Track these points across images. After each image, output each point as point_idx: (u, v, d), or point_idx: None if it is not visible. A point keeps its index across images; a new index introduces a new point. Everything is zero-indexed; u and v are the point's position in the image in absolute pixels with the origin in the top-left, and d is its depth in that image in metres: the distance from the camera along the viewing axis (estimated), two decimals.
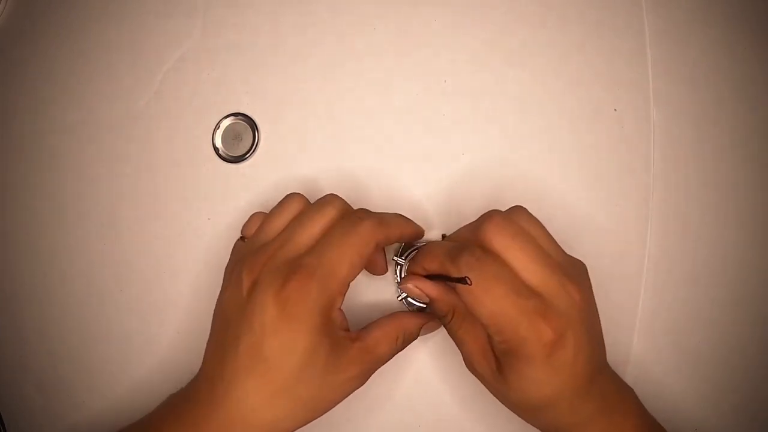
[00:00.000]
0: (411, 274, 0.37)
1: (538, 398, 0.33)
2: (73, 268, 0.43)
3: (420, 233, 0.39)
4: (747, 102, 0.44)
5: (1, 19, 0.44)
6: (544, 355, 0.31)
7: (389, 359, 0.36)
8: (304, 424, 0.34)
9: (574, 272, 0.34)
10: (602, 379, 0.35)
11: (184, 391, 0.35)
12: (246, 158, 0.43)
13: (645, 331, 0.43)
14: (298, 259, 0.33)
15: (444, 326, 0.38)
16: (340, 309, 0.34)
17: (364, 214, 0.36)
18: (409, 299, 0.41)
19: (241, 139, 0.43)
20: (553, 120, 0.44)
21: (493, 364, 0.35)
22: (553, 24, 0.44)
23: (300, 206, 0.37)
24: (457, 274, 0.32)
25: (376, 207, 0.43)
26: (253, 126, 0.43)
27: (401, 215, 0.38)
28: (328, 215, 0.35)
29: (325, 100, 0.44)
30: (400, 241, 0.38)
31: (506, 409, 0.41)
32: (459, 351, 0.37)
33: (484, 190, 0.43)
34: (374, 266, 0.40)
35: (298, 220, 0.35)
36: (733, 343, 0.43)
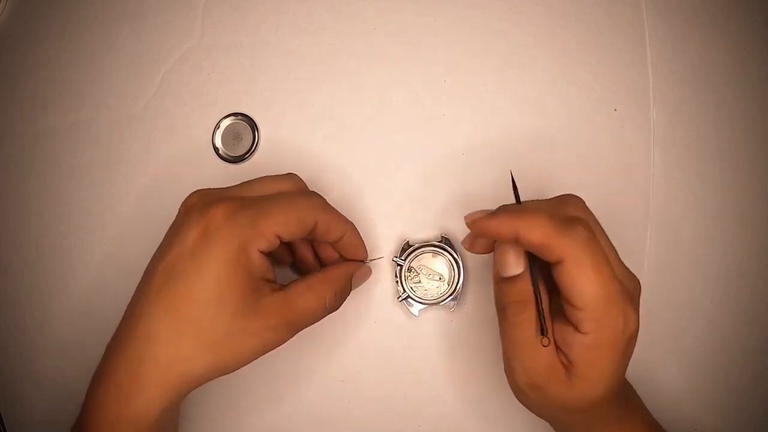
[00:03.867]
0: (491, 232, 0.32)
1: (603, 391, 0.31)
2: (73, 268, 0.43)
3: (361, 253, 0.39)
4: (747, 102, 0.44)
5: (1, 19, 0.44)
6: (625, 345, 0.31)
7: (317, 317, 0.35)
8: (214, 373, 0.32)
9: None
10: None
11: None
12: (246, 158, 0.43)
13: (645, 330, 0.42)
14: (236, 194, 0.34)
15: (505, 319, 0.33)
16: (263, 255, 0.32)
17: (318, 195, 0.36)
18: (410, 299, 0.41)
19: (241, 139, 0.43)
20: (553, 120, 0.44)
21: (561, 372, 0.31)
22: (553, 24, 0.44)
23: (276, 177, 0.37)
24: (570, 246, 0.29)
25: (375, 207, 0.43)
26: (253, 126, 0.43)
27: (352, 223, 0.38)
28: (281, 184, 0.36)
29: (325, 101, 0.44)
30: (334, 241, 0.37)
31: (507, 409, 0.41)
32: (504, 365, 0.34)
33: (484, 190, 0.43)
34: (301, 260, 0.40)
35: (257, 179, 0.36)
36: (733, 343, 0.43)
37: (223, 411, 0.43)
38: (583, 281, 0.30)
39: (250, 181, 0.36)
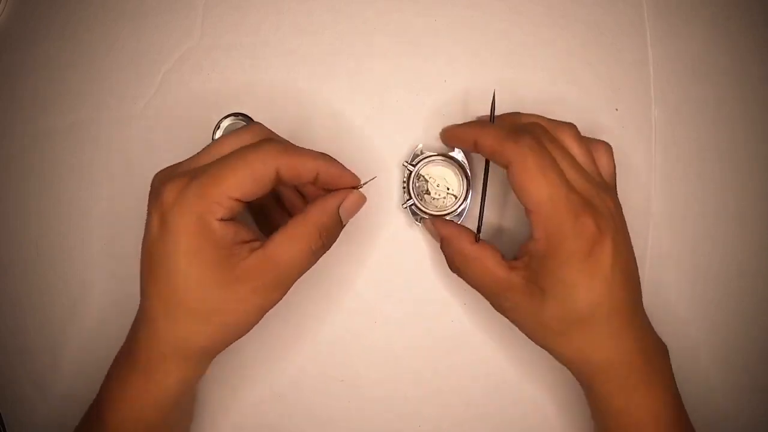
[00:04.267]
0: (452, 140, 0.39)
1: (574, 308, 0.32)
2: (73, 268, 0.43)
3: (348, 178, 0.35)
4: (747, 102, 0.44)
5: (1, 19, 0.44)
6: (584, 252, 0.31)
7: (304, 264, 0.33)
8: (220, 344, 0.33)
9: (609, 189, 0.35)
10: (640, 320, 0.35)
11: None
12: None
13: None
14: (189, 166, 0.33)
15: (457, 274, 0.37)
16: (224, 221, 0.31)
17: (274, 138, 0.34)
18: (413, 208, 0.40)
19: None
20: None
21: (521, 284, 0.34)
22: (553, 24, 0.44)
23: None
24: (515, 151, 0.32)
25: (375, 207, 0.43)
26: None
27: (328, 155, 0.35)
28: (241, 140, 0.34)
29: (325, 100, 0.44)
30: (312, 181, 0.34)
31: (508, 409, 0.41)
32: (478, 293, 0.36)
33: (492, 189, 0.43)
34: (290, 205, 0.39)
35: (214, 142, 0.35)
36: (733, 342, 0.43)
37: (223, 410, 0.43)
38: (526, 182, 0.32)
39: (208, 145, 0.35)
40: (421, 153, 0.41)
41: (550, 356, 0.36)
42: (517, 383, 0.42)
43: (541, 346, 0.35)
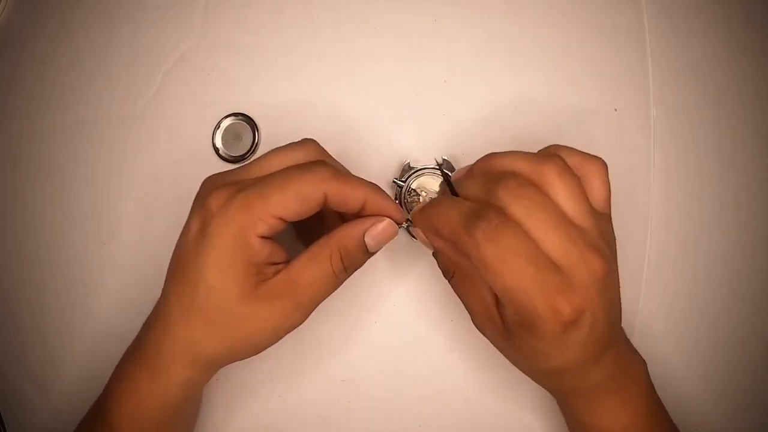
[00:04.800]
0: (418, 226, 0.35)
1: (544, 367, 0.32)
2: (72, 268, 0.43)
3: (394, 212, 0.34)
4: (747, 101, 0.44)
5: (1, 19, 0.44)
6: (558, 333, 0.30)
7: (327, 288, 0.33)
8: (229, 357, 0.34)
9: (599, 239, 0.31)
10: (614, 351, 0.33)
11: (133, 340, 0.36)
12: (246, 158, 0.43)
13: (645, 331, 0.43)
14: (238, 177, 0.33)
15: (449, 282, 0.36)
16: (264, 238, 0.31)
17: (327, 162, 0.33)
18: (408, 222, 0.40)
19: (241, 139, 0.43)
20: (553, 120, 0.44)
21: (500, 328, 0.33)
22: (553, 24, 0.44)
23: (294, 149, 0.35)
24: (470, 243, 0.29)
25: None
26: (253, 126, 0.43)
27: (378, 186, 0.34)
28: (293, 157, 0.33)
29: (325, 100, 0.44)
30: (358, 210, 0.33)
31: (508, 409, 0.41)
32: (467, 315, 0.35)
33: None
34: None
35: (266, 155, 0.34)
36: (733, 343, 0.43)
37: (223, 410, 0.42)
38: (489, 276, 0.29)
39: (260, 157, 0.34)
40: (410, 168, 0.42)
41: None
42: (517, 383, 0.42)
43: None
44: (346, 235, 0.33)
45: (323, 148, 0.35)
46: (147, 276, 0.43)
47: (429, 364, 0.43)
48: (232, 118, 0.43)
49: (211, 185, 0.33)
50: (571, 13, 0.44)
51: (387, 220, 0.34)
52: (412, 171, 0.41)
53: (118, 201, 0.43)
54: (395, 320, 0.43)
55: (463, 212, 0.30)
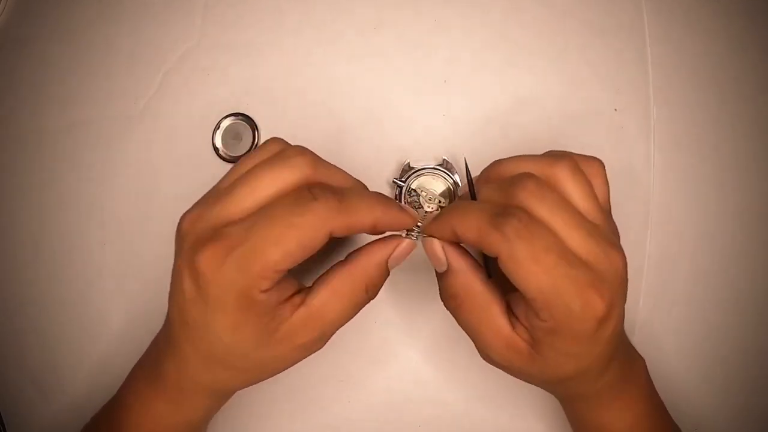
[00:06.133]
0: (432, 234, 0.32)
1: (572, 371, 0.31)
2: (72, 268, 0.43)
3: (406, 223, 0.32)
4: (747, 101, 0.44)
5: (0, 19, 0.44)
6: (592, 331, 0.29)
7: (350, 316, 0.32)
8: (251, 384, 0.34)
9: (615, 236, 0.32)
10: (621, 348, 0.33)
11: (145, 354, 0.36)
12: None
13: (644, 331, 0.43)
14: (223, 227, 0.29)
15: (450, 310, 0.33)
16: (268, 291, 0.29)
17: (324, 192, 0.29)
18: (412, 235, 0.40)
19: (241, 139, 0.43)
20: (553, 120, 0.44)
21: (521, 348, 0.31)
22: (553, 24, 0.44)
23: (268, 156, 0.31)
24: (501, 242, 0.28)
25: None
26: (253, 126, 0.43)
27: (382, 196, 0.32)
28: (282, 179, 0.30)
29: (325, 100, 0.44)
30: (373, 231, 0.31)
31: (508, 409, 0.41)
32: (470, 339, 0.33)
33: None
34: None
35: (247, 176, 0.30)
36: (733, 343, 0.43)
37: (223, 411, 0.42)
38: (521, 275, 0.28)
39: (239, 179, 0.30)
40: (410, 168, 0.42)
41: None
42: (517, 383, 0.42)
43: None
44: (369, 265, 0.32)
45: (313, 158, 0.31)
46: (148, 276, 0.43)
47: (429, 364, 0.43)
48: (232, 118, 0.43)
49: (191, 231, 0.30)
50: (571, 12, 0.44)
51: (408, 241, 0.32)
52: (412, 171, 0.41)
53: (118, 201, 0.43)
54: (395, 320, 0.43)
55: (490, 211, 0.29)
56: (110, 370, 0.42)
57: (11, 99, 0.44)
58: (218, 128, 0.43)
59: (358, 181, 0.34)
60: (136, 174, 0.43)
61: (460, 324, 0.33)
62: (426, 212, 0.41)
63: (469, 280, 0.32)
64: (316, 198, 0.29)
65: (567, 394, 0.36)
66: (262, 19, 0.44)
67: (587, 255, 0.29)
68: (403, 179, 0.41)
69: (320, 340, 0.32)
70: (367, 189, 0.34)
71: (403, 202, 0.41)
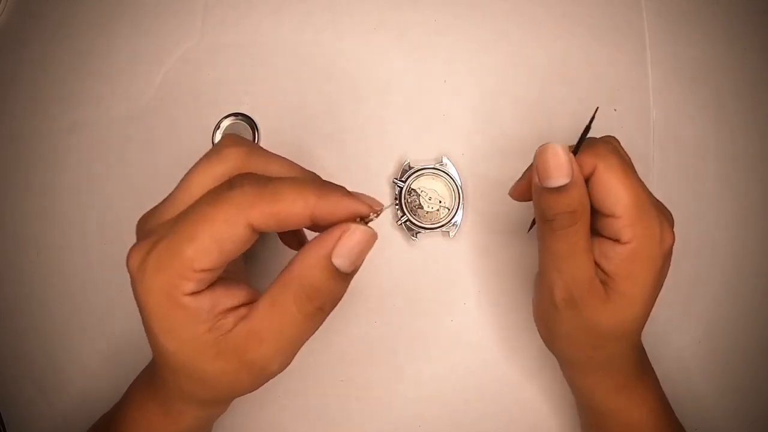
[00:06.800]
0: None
1: (632, 315, 0.31)
2: (73, 268, 0.43)
3: (356, 210, 0.26)
4: (747, 102, 0.44)
5: (1, 19, 0.44)
6: (662, 260, 0.30)
7: (304, 331, 0.27)
8: (226, 399, 0.32)
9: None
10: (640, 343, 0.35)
11: (150, 363, 0.35)
12: None
13: (645, 331, 0.43)
14: (155, 227, 0.27)
15: (553, 230, 0.30)
16: (196, 294, 0.26)
17: (244, 180, 0.26)
18: (408, 224, 0.40)
19: None
20: (553, 120, 0.44)
21: (599, 289, 0.30)
22: (553, 24, 0.44)
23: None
24: (598, 153, 0.30)
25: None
26: (253, 126, 0.43)
27: (324, 182, 0.28)
28: (212, 173, 0.28)
29: (325, 100, 0.44)
30: (314, 223, 0.26)
31: (507, 408, 0.41)
32: (539, 290, 0.32)
33: (484, 191, 0.43)
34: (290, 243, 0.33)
35: (189, 172, 0.29)
36: (733, 343, 0.43)
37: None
38: (617, 186, 0.29)
39: (182, 179, 0.29)
40: (410, 168, 0.42)
41: (549, 356, 0.36)
42: (517, 383, 0.42)
43: (550, 346, 0.35)
44: (305, 268, 0.26)
45: (247, 149, 0.28)
46: None
47: (429, 364, 0.43)
48: (232, 118, 0.43)
49: (137, 232, 0.29)
50: (571, 13, 0.44)
51: (357, 229, 0.26)
52: (412, 171, 0.41)
53: (118, 201, 0.43)
54: (395, 320, 0.43)
55: (601, 143, 0.31)
56: (110, 370, 0.42)
57: (11, 99, 0.44)
58: (218, 128, 0.43)
59: (307, 170, 0.31)
60: (136, 174, 0.43)
61: (552, 253, 0.30)
62: (426, 212, 0.41)
63: (587, 197, 0.30)
64: (232, 187, 0.26)
65: (602, 360, 0.33)
66: (262, 19, 0.44)
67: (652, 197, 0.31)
68: (403, 179, 0.41)
69: (273, 357, 0.27)
70: (320, 179, 0.30)
71: (403, 202, 0.41)
